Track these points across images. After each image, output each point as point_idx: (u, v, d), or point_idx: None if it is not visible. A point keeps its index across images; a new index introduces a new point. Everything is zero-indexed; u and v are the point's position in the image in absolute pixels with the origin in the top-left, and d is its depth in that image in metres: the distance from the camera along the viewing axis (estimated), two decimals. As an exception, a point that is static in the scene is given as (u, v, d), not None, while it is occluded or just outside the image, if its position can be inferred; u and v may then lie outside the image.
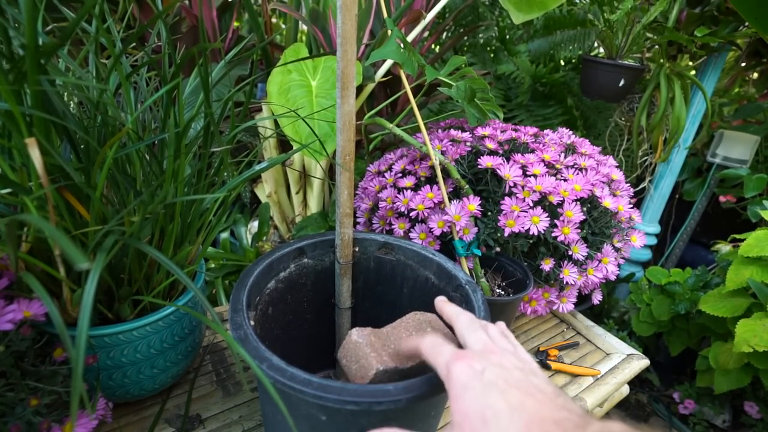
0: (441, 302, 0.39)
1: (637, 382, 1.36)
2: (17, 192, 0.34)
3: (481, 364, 0.29)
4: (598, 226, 0.65)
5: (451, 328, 0.37)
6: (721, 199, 1.44)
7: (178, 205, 0.44)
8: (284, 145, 1.01)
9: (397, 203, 0.63)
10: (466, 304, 0.46)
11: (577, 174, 0.63)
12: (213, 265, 0.98)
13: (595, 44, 1.37)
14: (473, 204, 0.57)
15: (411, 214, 0.61)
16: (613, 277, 0.66)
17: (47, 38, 0.41)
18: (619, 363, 0.68)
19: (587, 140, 0.74)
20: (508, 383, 0.27)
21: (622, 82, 1.12)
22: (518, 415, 0.25)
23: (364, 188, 0.72)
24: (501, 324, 0.38)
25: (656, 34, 1.13)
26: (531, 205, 0.59)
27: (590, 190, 0.62)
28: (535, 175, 0.61)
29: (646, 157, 1.40)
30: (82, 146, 0.40)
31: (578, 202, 0.61)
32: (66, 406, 0.38)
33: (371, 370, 0.39)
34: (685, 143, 1.29)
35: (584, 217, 0.62)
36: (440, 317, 0.41)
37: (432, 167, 0.65)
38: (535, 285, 0.66)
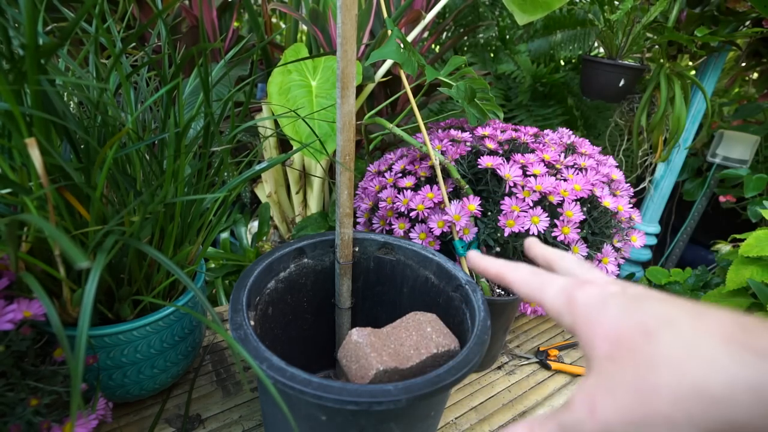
0: (533, 242, 0.30)
1: (637, 382, 1.36)
2: (17, 192, 0.34)
3: (616, 286, 0.22)
4: (598, 226, 0.65)
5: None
6: (721, 199, 1.44)
7: (178, 205, 0.44)
8: (284, 145, 1.01)
9: (397, 203, 0.63)
10: (466, 304, 0.46)
11: (577, 174, 0.63)
12: (213, 265, 0.98)
13: (595, 44, 1.37)
14: (473, 204, 0.57)
15: (411, 214, 0.61)
16: (613, 277, 0.66)
17: (47, 38, 0.41)
18: (619, 363, 0.68)
19: (587, 140, 0.74)
20: (663, 298, 0.20)
21: (622, 82, 1.12)
22: (704, 318, 0.17)
23: (364, 188, 0.72)
24: None
25: (656, 34, 1.13)
26: (531, 205, 0.59)
27: (590, 190, 0.62)
28: (535, 175, 0.61)
29: (646, 157, 1.40)
30: (82, 146, 0.40)
31: (578, 202, 0.61)
32: (66, 406, 0.38)
33: (371, 370, 0.40)
34: (685, 143, 1.29)
35: (584, 217, 0.62)
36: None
37: (432, 167, 0.65)
38: (535, 285, 0.66)
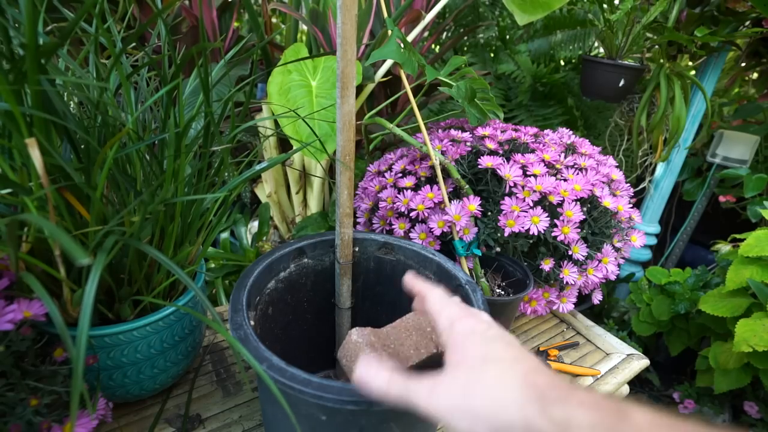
0: (411, 278, 0.38)
1: (637, 382, 1.36)
2: (17, 192, 0.34)
3: (487, 324, 0.30)
4: (598, 226, 0.65)
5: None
6: (721, 199, 1.44)
7: (179, 205, 0.44)
8: (284, 144, 1.01)
9: (397, 203, 0.63)
10: (466, 303, 0.46)
11: (577, 174, 0.63)
12: (213, 265, 0.98)
13: (595, 44, 1.37)
14: (473, 204, 0.57)
15: (411, 214, 0.61)
16: (613, 277, 0.66)
17: (47, 38, 0.41)
18: (619, 363, 0.68)
19: (587, 140, 0.74)
20: (510, 344, 0.28)
21: (622, 82, 1.12)
22: (519, 364, 0.26)
23: (364, 188, 0.72)
24: None
25: (656, 34, 1.13)
26: (531, 205, 0.59)
27: (590, 190, 0.62)
28: (535, 175, 0.61)
29: (646, 157, 1.40)
30: (82, 146, 0.40)
31: (578, 202, 0.61)
32: (66, 406, 0.38)
33: (371, 370, 0.39)
34: (685, 143, 1.29)
35: (584, 217, 0.62)
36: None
37: (432, 167, 0.65)
38: (535, 285, 0.66)
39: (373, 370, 0.30)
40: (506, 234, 0.58)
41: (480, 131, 0.70)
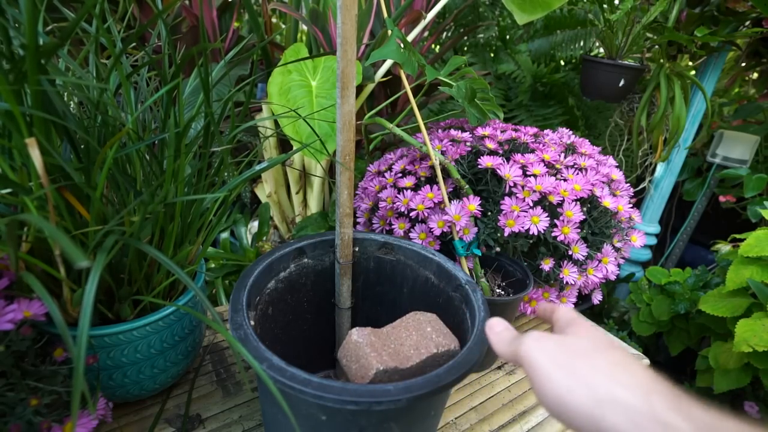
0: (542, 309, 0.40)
1: (637, 382, 1.36)
2: (17, 192, 0.34)
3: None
4: (598, 226, 0.65)
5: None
6: (721, 199, 1.44)
7: (178, 205, 0.44)
8: (284, 145, 1.01)
9: (397, 203, 0.63)
10: (466, 304, 0.46)
11: (577, 174, 0.63)
12: (213, 265, 0.98)
13: (596, 44, 1.38)
14: (473, 204, 0.57)
15: (411, 214, 0.61)
16: (613, 277, 0.66)
17: (47, 38, 0.41)
18: (619, 363, 0.68)
19: (587, 140, 0.74)
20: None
21: (622, 82, 1.12)
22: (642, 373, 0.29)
23: (364, 188, 0.72)
24: None
25: (656, 34, 1.13)
26: (531, 205, 0.59)
27: (590, 190, 0.62)
28: (535, 175, 0.61)
29: (646, 157, 1.40)
30: (82, 146, 0.40)
31: (578, 202, 0.61)
32: (66, 405, 0.38)
33: (371, 369, 0.40)
34: (685, 143, 1.29)
35: (584, 217, 0.62)
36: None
37: (432, 167, 0.65)
38: (535, 285, 0.66)
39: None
40: (506, 234, 0.58)
41: (480, 131, 0.70)
